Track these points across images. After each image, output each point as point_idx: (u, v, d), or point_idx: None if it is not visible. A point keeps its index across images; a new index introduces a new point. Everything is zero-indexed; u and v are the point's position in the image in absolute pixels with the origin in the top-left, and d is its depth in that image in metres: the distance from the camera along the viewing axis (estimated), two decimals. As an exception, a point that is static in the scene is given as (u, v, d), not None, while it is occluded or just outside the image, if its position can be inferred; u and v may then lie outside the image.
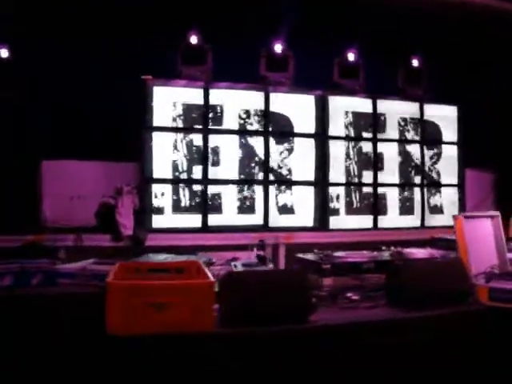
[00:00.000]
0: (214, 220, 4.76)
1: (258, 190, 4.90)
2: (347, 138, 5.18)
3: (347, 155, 5.17)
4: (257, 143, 4.93)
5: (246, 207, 4.85)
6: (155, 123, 4.66)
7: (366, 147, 5.21)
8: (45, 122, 4.59)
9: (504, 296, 2.30)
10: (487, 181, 5.96)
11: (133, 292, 1.86)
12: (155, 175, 4.66)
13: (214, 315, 1.92)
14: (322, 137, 5.05)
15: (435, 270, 2.34)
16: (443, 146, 5.51)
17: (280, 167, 4.98)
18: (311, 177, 5.03)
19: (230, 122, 4.84)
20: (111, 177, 4.83)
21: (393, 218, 5.27)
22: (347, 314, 2.27)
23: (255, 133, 4.91)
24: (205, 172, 4.73)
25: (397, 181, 5.35)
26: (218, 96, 4.83)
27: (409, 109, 5.43)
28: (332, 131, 5.14)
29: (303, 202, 4.98)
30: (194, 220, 4.74)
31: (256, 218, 4.86)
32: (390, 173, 5.29)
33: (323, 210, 5.00)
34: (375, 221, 5.12)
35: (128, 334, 1.84)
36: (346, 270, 2.68)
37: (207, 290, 1.87)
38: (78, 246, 4.41)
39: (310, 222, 5.01)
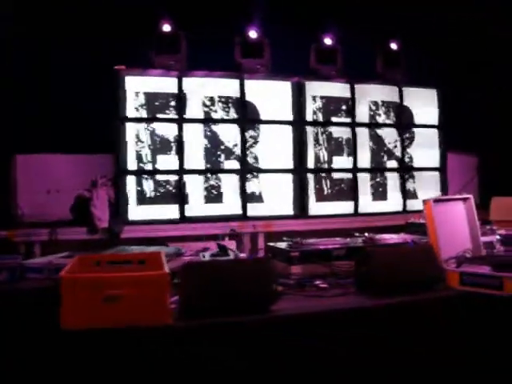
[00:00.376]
0: (191, 210, 4.69)
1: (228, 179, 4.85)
2: (324, 124, 5.11)
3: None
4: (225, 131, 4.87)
5: (214, 196, 4.80)
6: (128, 114, 4.55)
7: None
8: (17, 116, 4.49)
9: (475, 280, 2.25)
10: (470, 164, 5.93)
11: (84, 285, 1.79)
12: (130, 167, 4.57)
13: (170, 308, 1.85)
14: (299, 123, 4.98)
15: (403, 255, 2.28)
16: (422, 129, 5.44)
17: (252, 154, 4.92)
18: (286, 164, 4.96)
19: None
20: (88, 169, 4.74)
21: (371, 204, 5.22)
22: (313, 302, 2.20)
23: (230, 121, 4.83)
24: (181, 162, 4.65)
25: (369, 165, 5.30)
26: (191, 84, 4.72)
27: (387, 93, 5.36)
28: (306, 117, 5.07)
29: (281, 190, 4.91)
30: (171, 211, 4.66)
31: (233, 208, 4.80)
32: (364, 158, 5.25)
33: (302, 197, 4.94)
34: (356, 207, 5.07)
35: (80, 328, 1.77)
36: (315, 257, 2.62)
37: (161, 282, 1.79)
38: (52, 240, 4.33)
39: (289, 210, 4.95)
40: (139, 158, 4.60)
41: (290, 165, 4.94)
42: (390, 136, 5.36)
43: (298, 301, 2.22)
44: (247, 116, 4.86)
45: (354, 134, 5.16)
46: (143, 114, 4.61)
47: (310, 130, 5.03)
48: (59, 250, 3.39)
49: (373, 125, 5.29)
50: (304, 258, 2.62)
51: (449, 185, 5.69)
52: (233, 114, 4.83)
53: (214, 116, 4.78)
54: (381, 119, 5.35)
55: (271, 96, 4.93)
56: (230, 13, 4.78)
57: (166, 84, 4.66)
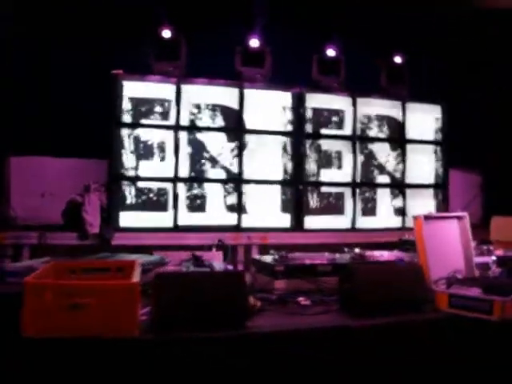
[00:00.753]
0: (185, 219, 4.61)
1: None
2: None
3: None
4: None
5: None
6: (123, 119, 4.50)
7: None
8: (13, 118, 4.46)
9: (464, 303, 2.13)
10: (474, 182, 5.81)
11: (48, 291, 1.70)
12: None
13: (137, 319, 1.76)
14: (298, 135, 4.91)
15: (389, 274, 2.17)
16: (421, 145, 5.37)
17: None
18: (275, 176, 4.89)
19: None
20: (84, 174, 4.71)
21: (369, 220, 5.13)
22: (292, 320, 2.10)
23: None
24: (176, 170, 4.58)
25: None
26: (190, 92, 4.67)
27: (389, 107, 5.29)
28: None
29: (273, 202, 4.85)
30: (164, 219, 4.59)
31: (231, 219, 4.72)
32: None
33: (298, 210, 4.85)
34: (353, 222, 4.96)
35: (42, 336, 1.69)
36: (300, 272, 2.52)
37: (128, 292, 1.71)
38: (42, 244, 4.27)
39: (285, 223, 4.86)
40: (131, 164, 4.56)
41: (279, 176, 4.87)
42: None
43: (277, 317, 2.11)
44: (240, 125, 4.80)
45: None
46: (139, 119, 4.56)
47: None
48: (48, 255, 3.35)
49: (367, 139, 5.22)
50: (289, 273, 2.52)
51: (451, 202, 5.58)
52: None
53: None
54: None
55: (269, 106, 4.87)
56: (231, 20, 4.74)
57: (163, 90, 4.60)
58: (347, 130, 5.14)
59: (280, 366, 1.86)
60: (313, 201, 4.93)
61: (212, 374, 1.80)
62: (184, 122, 4.66)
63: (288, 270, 2.51)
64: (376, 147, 5.21)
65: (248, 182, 4.74)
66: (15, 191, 4.56)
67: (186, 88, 4.70)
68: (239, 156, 4.71)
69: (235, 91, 4.73)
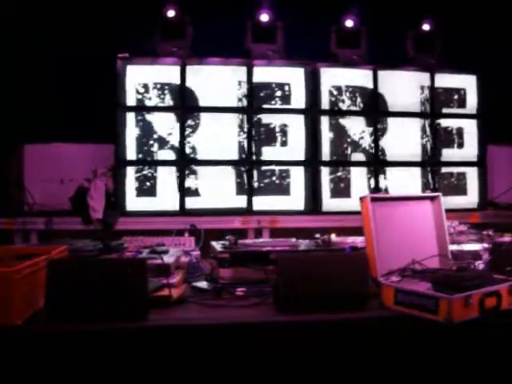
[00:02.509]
0: (192, 203, 4.50)
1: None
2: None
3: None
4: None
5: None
6: (129, 103, 4.44)
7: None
8: (24, 106, 4.56)
9: (409, 300, 1.82)
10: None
11: None
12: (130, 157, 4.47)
13: (16, 308, 1.65)
14: (312, 112, 4.59)
15: (325, 265, 1.89)
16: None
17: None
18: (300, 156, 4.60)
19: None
20: (101, 159, 4.73)
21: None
22: (213, 312, 1.91)
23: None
24: (181, 153, 4.47)
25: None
26: (199, 72, 4.52)
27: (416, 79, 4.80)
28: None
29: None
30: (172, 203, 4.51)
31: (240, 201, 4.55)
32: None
33: (314, 192, 4.55)
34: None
35: None
36: (250, 260, 2.31)
37: (5, 280, 1.62)
38: (49, 229, 4.35)
39: (299, 205, 4.59)
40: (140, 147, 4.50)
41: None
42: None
43: (194, 310, 1.94)
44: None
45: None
46: (146, 103, 4.49)
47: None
48: (55, 240, 3.41)
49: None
50: (236, 261, 2.32)
51: (492, 182, 5.00)
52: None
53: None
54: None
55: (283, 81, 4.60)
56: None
57: (170, 73, 4.49)
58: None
59: (180, 359, 1.69)
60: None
61: (99, 369, 1.67)
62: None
63: (235, 258, 2.31)
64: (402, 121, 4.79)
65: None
66: (31, 178, 4.67)
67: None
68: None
69: (243, 69, 4.51)
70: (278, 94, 4.61)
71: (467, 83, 4.83)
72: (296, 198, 4.60)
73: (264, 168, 4.59)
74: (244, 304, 1.97)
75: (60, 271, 1.76)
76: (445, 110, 4.89)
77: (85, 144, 4.72)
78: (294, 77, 4.63)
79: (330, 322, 1.83)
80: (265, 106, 4.59)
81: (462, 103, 4.91)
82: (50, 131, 4.60)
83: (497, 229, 3.19)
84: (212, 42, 4.60)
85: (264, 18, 4.58)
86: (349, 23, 4.68)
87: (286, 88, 4.62)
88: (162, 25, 4.45)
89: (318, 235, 2.59)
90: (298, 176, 4.61)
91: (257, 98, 4.56)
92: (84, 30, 4.44)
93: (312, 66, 4.59)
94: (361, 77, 4.74)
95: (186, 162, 4.50)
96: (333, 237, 2.63)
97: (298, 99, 4.62)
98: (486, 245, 2.45)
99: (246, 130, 4.53)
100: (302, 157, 4.61)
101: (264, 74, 4.61)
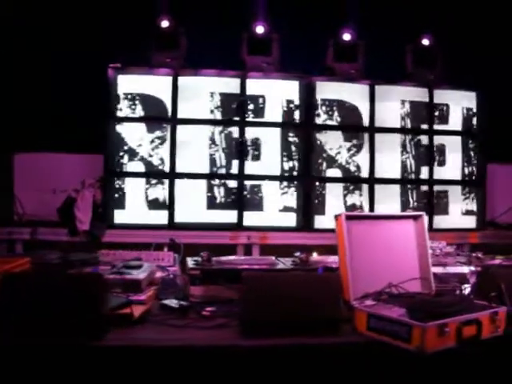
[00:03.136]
0: (182, 217, 4.40)
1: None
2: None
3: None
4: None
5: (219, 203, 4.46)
6: (120, 114, 4.38)
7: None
8: (14, 116, 4.51)
9: (383, 326, 1.69)
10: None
11: None
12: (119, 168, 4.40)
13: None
14: (308, 126, 4.50)
15: (294, 286, 1.77)
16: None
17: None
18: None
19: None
20: (94, 169, 4.67)
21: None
22: (173, 333, 1.79)
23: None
24: (172, 165, 4.39)
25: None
26: (189, 83, 4.45)
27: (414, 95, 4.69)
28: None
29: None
30: (161, 216, 4.41)
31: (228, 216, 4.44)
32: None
33: (306, 209, 4.44)
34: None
35: None
36: (221, 278, 2.20)
37: None
38: (34, 240, 4.27)
39: (291, 222, 4.47)
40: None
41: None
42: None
43: (160, 330, 1.83)
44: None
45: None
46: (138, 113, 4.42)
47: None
48: (39, 250, 3.33)
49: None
50: (207, 279, 2.22)
51: (494, 201, 4.86)
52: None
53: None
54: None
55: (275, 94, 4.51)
56: (235, 6, 4.46)
57: (162, 83, 4.43)
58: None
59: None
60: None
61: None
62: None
63: (206, 275, 2.21)
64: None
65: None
66: (22, 187, 4.61)
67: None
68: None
69: (237, 81, 4.44)
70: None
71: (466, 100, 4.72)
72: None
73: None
74: (207, 325, 1.86)
75: (13, 285, 1.66)
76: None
77: (77, 154, 4.68)
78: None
79: (297, 347, 1.71)
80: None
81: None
82: (40, 141, 4.55)
83: (492, 250, 3.08)
84: (207, 53, 4.55)
85: (260, 29, 4.52)
86: (346, 37, 4.61)
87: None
88: (156, 35, 4.41)
89: (297, 253, 2.49)
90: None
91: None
92: (77, 40, 4.39)
93: (307, 80, 4.52)
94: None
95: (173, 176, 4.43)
96: (314, 255, 2.53)
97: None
98: (472, 268, 2.32)
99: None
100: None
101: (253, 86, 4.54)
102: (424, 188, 4.68)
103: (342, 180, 4.58)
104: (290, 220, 4.48)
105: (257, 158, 4.48)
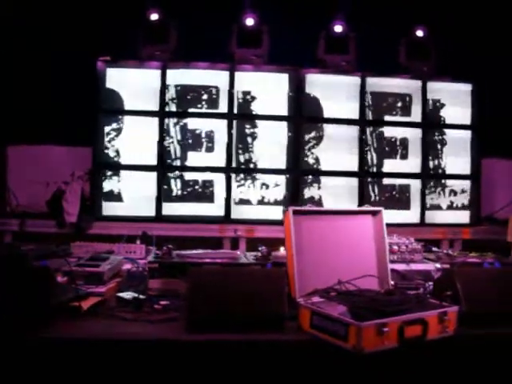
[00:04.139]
0: (169, 209, 4.41)
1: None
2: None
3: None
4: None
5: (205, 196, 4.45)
6: (108, 106, 4.39)
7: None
8: (7, 109, 4.55)
9: (324, 324, 1.67)
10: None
11: None
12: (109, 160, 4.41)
13: None
14: (295, 119, 4.46)
15: (239, 280, 1.76)
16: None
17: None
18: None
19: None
20: (86, 161, 4.70)
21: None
22: (117, 327, 1.79)
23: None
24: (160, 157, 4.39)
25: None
26: (177, 76, 4.43)
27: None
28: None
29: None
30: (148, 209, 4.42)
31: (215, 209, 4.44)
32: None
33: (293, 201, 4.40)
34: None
35: None
36: (180, 271, 2.19)
37: None
38: (22, 231, 4.32)
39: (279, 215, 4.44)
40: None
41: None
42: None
43: (107, 323, 1.82)
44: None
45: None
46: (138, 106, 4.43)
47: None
48: (28, 241, 3.36)
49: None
50: (165, 272, 2.21)
51: (492, 196, 4.76)
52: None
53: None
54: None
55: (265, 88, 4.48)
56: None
57: (151, 76, 4.42)
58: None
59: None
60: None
61: None
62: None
63: (164, 269, 2.20)
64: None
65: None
66: (14, 179, 4.65)
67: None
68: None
69: (226, 74, 4.41)
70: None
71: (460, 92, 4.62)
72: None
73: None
74: (156, 319, 1.85)
75: None
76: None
77: (69, 147, 4.69)
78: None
79: (237, 342, 1.69)
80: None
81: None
82: (33, 133, 4.59)
83: (484, 246, 3.01)
84: (197, 46, 4.53)
85: (249, 22, 4.47)
86: (338, 28, 4.53)
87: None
88: (146, 28, 4.40)
89: (261, 248, 2.46)
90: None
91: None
92: (67, 33, 4.40)
93: (297, 72, 4.47)
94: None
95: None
96: (281, 250, 2.50)
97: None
98: (438, 265, 2.27)
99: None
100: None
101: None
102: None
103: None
104: (278, 213, 4.45)
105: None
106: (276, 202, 4.49)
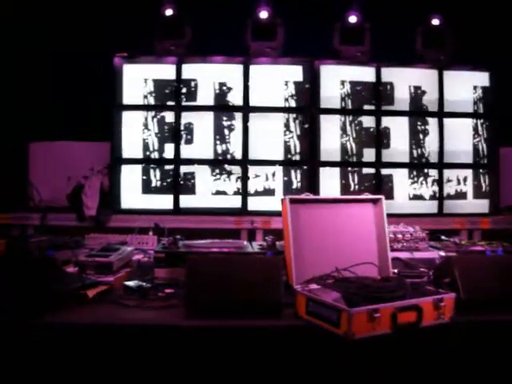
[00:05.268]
0: (186, 202, 4.48)
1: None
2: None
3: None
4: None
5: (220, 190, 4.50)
6: (125, 101, 4.47)
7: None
8: (28, 107, 4.69)
9: (319, 310, 1.69)
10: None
11: None
12: (125, 155, 4.50)
13: None
14: (311, 111, 4.45)
15: (240, 268, 1.80)
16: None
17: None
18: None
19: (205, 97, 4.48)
20: (102, 156, 4.81)
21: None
22: (119, 313, 1.86)
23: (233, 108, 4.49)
24: (177, 151, 4.45)
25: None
26: (192, 71, 4.49)
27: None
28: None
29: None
30: (165, 201, 4.50)
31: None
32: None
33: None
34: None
35: None
36: (183, 261, 2.24)
37: None
38: (44, 225, 4.45)
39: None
40: (146, 146, 4.50)
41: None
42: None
43: (111, 310, 1.90)
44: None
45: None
46: (151, 101, 4.49)
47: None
48: (49, 234, 3.51)
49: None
50: (171, 261, 2.26)
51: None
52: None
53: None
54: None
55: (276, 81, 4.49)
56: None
57: (168, 71, 4.49)
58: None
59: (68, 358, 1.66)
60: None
61: None
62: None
63: (170, 258, 2.26)
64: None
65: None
66: (36, 175, 4.79)
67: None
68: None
69: (240, 68, 4.44)
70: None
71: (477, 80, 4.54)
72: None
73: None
74: (158, 305, 1.92)
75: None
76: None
77: (88, 142, 4.80)
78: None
79: (234, 328, 1.74)
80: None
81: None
82: (53, 130, 4.72)
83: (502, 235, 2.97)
84: (212, 40, 4.57)
85: (263, 15, 4.49)
86: (352, 19, 4.50)
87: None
88: (161, 24, 4.46)
89: (268, 237, 2.50)
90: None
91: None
92: (83, 30, 4.49)
93: (311, 64, 4.47)
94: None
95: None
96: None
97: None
98: (443, 253, 2.26)
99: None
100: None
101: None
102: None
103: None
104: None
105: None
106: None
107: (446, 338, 1.74)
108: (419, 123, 4.57)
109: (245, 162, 4.49)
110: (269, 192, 4.51)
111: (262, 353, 1.72)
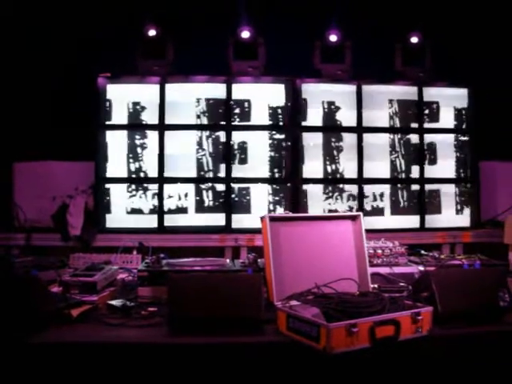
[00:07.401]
0: (171, 220, 4.49)
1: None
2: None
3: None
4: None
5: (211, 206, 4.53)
6: (110, 121, 4.49)
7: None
8: (13, 127, 4.69)
9: (299, 326, 1.72)
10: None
11: None
12: (109, 174, 4.51)
13: None
14: (294, 128, 4.52)
15: (220, 285, 1.83)
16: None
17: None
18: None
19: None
20: (87, 176, 4.81)
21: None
22: (103, 331, 1.88)
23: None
24: (161, 171, 4.47)
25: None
26: (175, 90, 4.54)
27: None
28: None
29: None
30: (151, 220, 4.51)
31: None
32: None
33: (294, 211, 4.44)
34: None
35: None
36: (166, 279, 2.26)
37: None
38: (28, 245, 4.43)
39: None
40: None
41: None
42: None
43: (94, 328, 1.91)
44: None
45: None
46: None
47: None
48: (33, 255, 3.49)
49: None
50: (154, 280, 2.28)
51: (495, 200, 4.74)
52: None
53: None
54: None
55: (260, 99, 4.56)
56: (219, 12, 4.55)
57: (151, 91, 4.53)
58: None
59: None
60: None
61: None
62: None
63: (153, 277, 2.28)
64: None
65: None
66: (21, 195, 4.77)
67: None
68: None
69: (223, 87, 4.50)
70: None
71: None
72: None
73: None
74: (141, 324, 1.93)
75: None
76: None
77: (73, 162, 4.80)
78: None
79: (216, 345, 1.76)
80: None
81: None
82: (38, 150, 4.72)
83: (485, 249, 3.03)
84: (194, 60, 4.64)
85: (245, 34, 4.57)
86: (333, 38, 4.61)
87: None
88: (143, 44, 4.51)
89: (250, 255, 2.53)
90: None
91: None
92: (66, 49, 4.55)
93: (293, 83, 4.54)
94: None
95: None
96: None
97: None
98: (421, 268, 2.30)
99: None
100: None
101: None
102: (415, 187, 4.64)
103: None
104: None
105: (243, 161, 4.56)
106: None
107: (425, 350, 1.78)
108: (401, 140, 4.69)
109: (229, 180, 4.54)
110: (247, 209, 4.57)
111: (244, 369, 1.74)
